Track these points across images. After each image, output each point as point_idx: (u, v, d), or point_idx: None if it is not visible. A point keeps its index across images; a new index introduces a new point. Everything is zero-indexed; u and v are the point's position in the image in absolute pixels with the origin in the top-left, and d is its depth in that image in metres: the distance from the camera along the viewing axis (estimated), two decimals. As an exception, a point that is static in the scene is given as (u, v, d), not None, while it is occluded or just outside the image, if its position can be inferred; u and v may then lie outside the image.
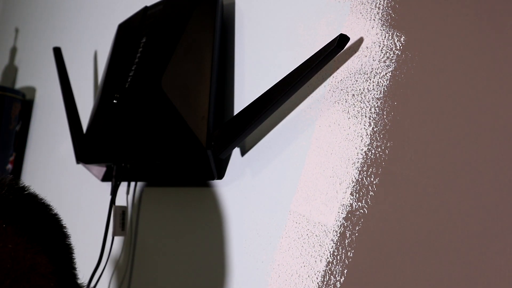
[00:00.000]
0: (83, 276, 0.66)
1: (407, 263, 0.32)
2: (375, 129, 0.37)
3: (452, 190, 0.31)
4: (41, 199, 0.35)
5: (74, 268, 0.34)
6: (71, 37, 0.90)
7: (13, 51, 1.14)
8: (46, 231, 0.33)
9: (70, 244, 0.35)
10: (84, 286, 0.35)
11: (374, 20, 0.39)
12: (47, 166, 0.84)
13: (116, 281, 0.59)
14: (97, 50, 0.79)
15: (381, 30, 0.38)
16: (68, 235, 0.35)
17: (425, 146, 0.33)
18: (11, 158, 0.91)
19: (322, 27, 0.43)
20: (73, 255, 0.34)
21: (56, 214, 0.35)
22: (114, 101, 0.58)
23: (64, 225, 0.35)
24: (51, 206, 0.35)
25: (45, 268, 0.30)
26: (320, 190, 0.39)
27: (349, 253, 0.36)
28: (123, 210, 0.57)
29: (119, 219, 0.57)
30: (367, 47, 0.39)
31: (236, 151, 0.48)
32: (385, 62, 0.37)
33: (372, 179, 0.36)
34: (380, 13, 0.39)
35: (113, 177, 0.60)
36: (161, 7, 0.60)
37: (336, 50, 0.37)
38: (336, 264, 0.36)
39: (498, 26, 0.32)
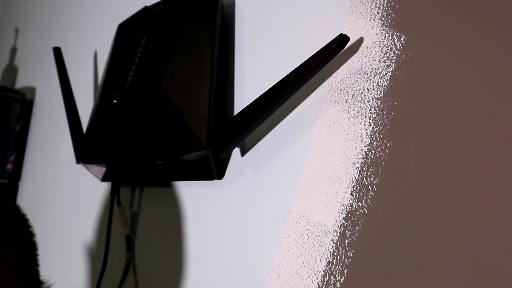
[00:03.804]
0: (86, 276, 0.66)
1: (407, 263, 0.32)
2: (375, 129, 0.37)
3: (452, 190, 0.31)
4: (10, 200, 0.39)
5: (37, 265, 0.37)
6: (71, 37, 0.90)
7: (13, 51, 1.14)
8: (14, 229, 0.36)
9: (35, 243, 0.38)
10: (45, 283, 0.38)
11: (374, 20, 0.39)
12: (47, 166, 0.85)
13: (116, 281, 0.59)
14: (97, 50, 0.79)
15: (381, 30, 0.38)
16: (33, 233, 0.38)
17: (425, 146, 0.33)
18: (11, 158, 0.91)
19: (322, 27, 0.43)
20: (37, 252, 0.38)
21: (24, 215, 0.39)
22: (114, 101, 0.58)
23: (31, 225, 0.38)
24: (19, 206, 0.39)
25: (12, 260, 0.34)
26: (320, 190, 0.39)
27: (349, 253, 0.36)
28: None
29: (128, 218, 0.57)
30: (367, 47, 0.39)
31: (236, 151, 0.48)
32: (385, 62, 0.37)
33: (372, 179, 0.36)
34: (380, 13, 0.39)
35: (113, 177, 0.60)
36: (161, 7, 0.60)
37: (336, 50, 0.37)
38: (336, 264, 0.36)
39: (498, 26, 0.32)
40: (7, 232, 0.35)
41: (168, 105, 0.49)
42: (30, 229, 0.38)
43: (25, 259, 0.35)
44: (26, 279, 0.34)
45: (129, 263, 0.56)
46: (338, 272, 0.36)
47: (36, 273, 0.37)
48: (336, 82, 0.40)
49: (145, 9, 0.63)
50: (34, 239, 0.38)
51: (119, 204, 0.57)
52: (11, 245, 0.34)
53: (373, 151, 0.36)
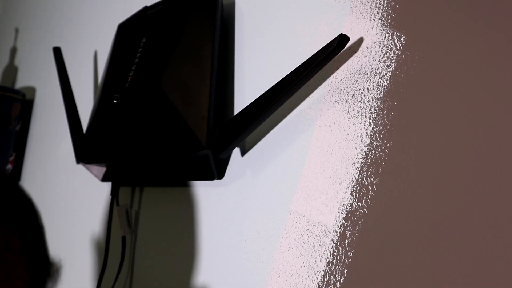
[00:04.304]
0: (86, 276, 0.66)
1: (407, 263, 0.32)
2: (375, 129, 0.37)
3: (452, 190, 0.31)
4: (14, 182, 0.36)
5: (46, 248, 0.36)
6: (71, 37, 0.90)
7: (13, 51, 1.14)
8: (19, 213, 0.34)
9: (42, 226, 0.36)
10: (55, 264, 0.36)
11: (374, 20, 0.39)
12: (47, 166, 0.85)
13: (116, 281, 0.59)
14: (97, 50, 0.79)
15: (381, 30, 0.38)
16: (39, 216, 0.36)
17: (425, 146, 0.33)
18: (11, 158, 0.91)
19: (322, 27, 0.43)
20: (44, 234, 0.36)
21: (30, 198, 0.36)
22: (114, 101, 0.58)
23: (36, 207, 0.36)
24: (24, 189, 0.37)
25: (17, 245, 0.32)
26: (320, 190, 0.39)
27: (349, 253, 0.36)
28: (126, 208, 0.57)
29: (126, 218, 0.57)
30: (367, 47, 0.39)
31: (236, 151, 0.48)
32: (385, 62, 0.37)
33: (372, 179, 0.36)
34: (380, 13, 0.39)
35: (113, 177, 0.60)
36: (161, 7, 0.60)
37: (336, 50, 0.37)
38: (336, 264, 0.36)
39: (498, 26, 0.32)
40: (13, 216, 0.33)
41: (168, 105, 0.49)
42: (36, 212, 0.36)
43: (31, 243, 0.34)
44: (33, 263, 0.33)
45: (121, 264, 0.56)
46: (338, 272, 0.36)
47: (45, 256, 0.35)
48: (336, 82, 0.40)
49: (145, 9, 0.63)
50: (40, 222, 0.36)
51: (117, 204, 0.57)
52: (16, 231, 0.33)
53: (373, 151, 0.36)
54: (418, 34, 0.36)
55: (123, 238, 0.57)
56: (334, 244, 0.37)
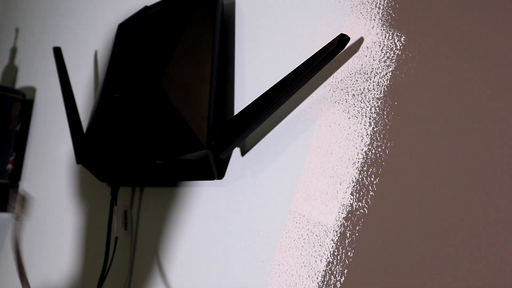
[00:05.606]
0: (86, 276, 0.66)
1: (407, 263, 0.32)
2: (375, 129, 0.37)
3: (452, 190, 0.31)
4: None
5: None
6: (71, 37, 0.90)
7: (13, 51, 1.14)
8: None
9: None
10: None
11: (374, 20, 0.39)
12: (47, 166, 0.85)
13: (116, 281, 0.59)
14: (97, 50, 0.79)
15: (381, 30, 0.38)
16: None
17: (425, 146, 0.33)
18: (11, 158, 0.91)
19: (322, 27, 0.43)
20: None
21: None
22: (114, 101, 0.58)
23: None
24: None
25: None
26: (320, 190, 0.39)
27: (349, 253, 0.36)
28: (125, 210, 0.57)
29: (122, 219, 0.57)
30: (367, 47, 0.39)
31: (236, 151, 0.48)
32: (385, 62, 0.37)
33: (372, 179, 0.36)
34: (380, 13, 0.39)
35: (113, 177, 0.60)
36: (161, 7, 0.60)
37: (336, 50, 0.37)
38: (336, 264, 0.36)
39: (498, 26, 0.32)
40: None
41: (168, 105, 0.49)
42: None
43: None
44: None
45: (110, 264, 0.57)
46: (338, 272, 0.36)
47: None
48: (336, 82, 0.40)
49: (145, 9, 0.63)
50: None
51: (115, 204, 0.57)
52: None
53: (373, 151, 0.36)
54: (418, 34, 0.36)
55: (116, 239, 0.57)
56: (334, 244, 0.37)
